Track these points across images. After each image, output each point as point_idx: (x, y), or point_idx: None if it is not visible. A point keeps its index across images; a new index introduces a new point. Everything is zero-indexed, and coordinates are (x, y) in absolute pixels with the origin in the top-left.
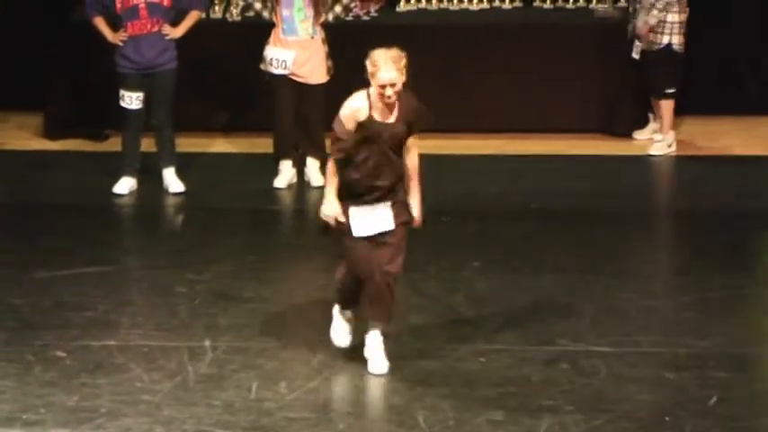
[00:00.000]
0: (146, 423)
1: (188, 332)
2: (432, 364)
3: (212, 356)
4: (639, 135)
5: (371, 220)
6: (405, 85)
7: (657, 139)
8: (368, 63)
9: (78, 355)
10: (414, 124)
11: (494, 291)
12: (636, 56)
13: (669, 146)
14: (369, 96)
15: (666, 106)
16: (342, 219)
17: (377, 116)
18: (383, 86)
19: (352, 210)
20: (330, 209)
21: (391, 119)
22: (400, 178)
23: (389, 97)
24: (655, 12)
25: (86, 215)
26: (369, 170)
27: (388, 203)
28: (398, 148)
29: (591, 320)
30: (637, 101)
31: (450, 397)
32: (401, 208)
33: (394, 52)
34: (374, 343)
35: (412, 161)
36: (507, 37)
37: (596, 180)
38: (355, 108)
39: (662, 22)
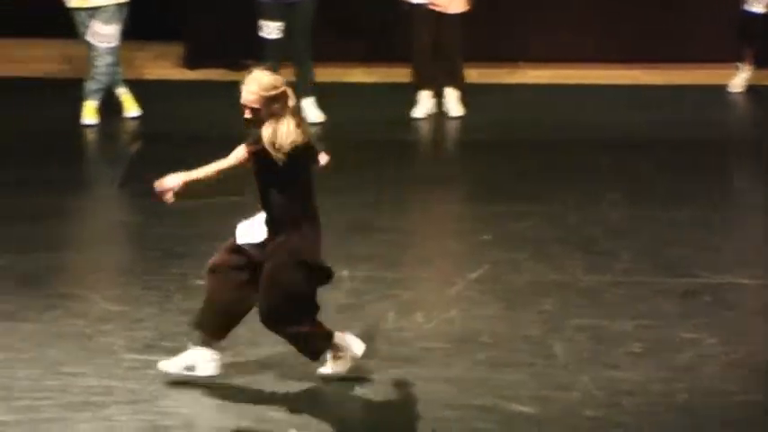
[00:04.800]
0: (283, 352)
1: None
2: (569, 296)
3: (350, 286)
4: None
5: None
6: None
7: None
8: None
9: None
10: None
11: (632, 222)
12: (763, 8)
13: None
14: None
15: None
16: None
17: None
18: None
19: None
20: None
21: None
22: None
23: (245, 117)
24: None
25: (226, 145)
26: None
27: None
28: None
29: (732, 252)
30: None
31: (588, 329)
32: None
33: (265, 78)
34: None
35: None
36: None
37: (733, 110)
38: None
39: None
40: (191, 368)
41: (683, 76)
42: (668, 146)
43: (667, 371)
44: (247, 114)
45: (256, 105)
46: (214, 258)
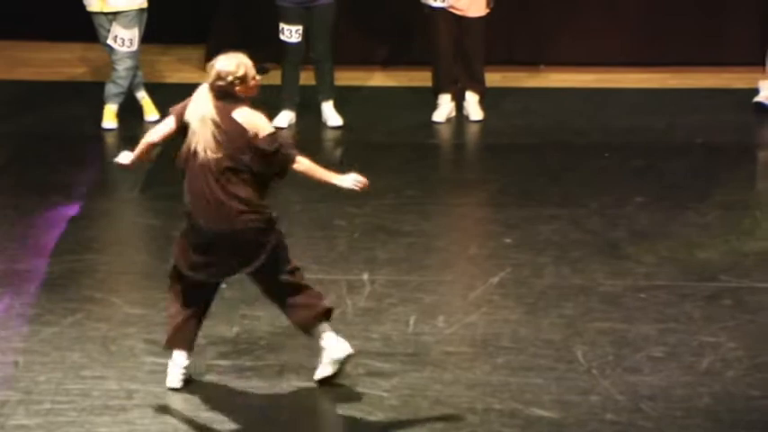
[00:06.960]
0: (304, 355)
1: (347, 265)
2: (591, 300)
3: (371, 290)
4: None
5: None
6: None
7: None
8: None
9: (238, 286)
10: None
11: (656, 226)
12: None
13: None
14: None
15: None
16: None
17: None
18: None
19: None
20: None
21: None
22: None
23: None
24: None
25: None
26: None
27: None
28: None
29: (756, 257)
30: None
31: (610, 333)
32: None
33: None
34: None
35: None
36: None
37: (764, 114)
38: None
39: None
40: None
41: (711, 79)
42: (696, 150)
43: (690, 375)
44: None
45: None
46: None
